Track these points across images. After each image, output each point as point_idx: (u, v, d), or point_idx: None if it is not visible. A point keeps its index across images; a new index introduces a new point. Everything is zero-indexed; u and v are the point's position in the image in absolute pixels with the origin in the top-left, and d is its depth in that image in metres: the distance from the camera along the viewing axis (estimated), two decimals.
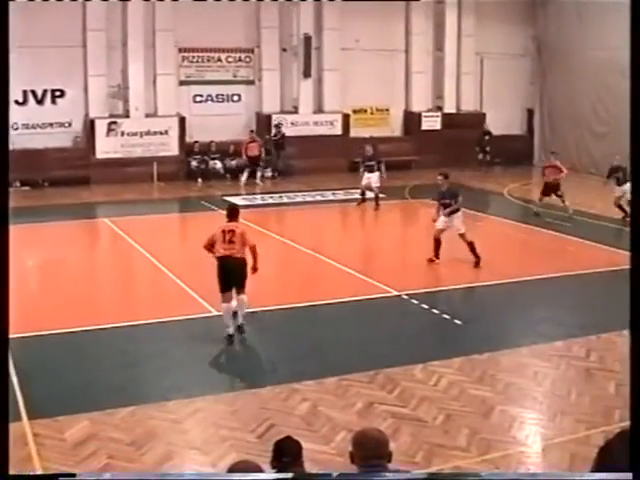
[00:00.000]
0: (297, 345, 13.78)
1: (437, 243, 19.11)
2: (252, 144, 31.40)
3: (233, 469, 5.29)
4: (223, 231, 14.06)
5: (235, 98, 33.92)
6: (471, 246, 19.02)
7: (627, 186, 23.35)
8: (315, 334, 14.29)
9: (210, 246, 14.18)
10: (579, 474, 3.89)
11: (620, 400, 11.49)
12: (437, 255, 19.15)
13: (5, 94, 6.53)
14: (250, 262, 13.97)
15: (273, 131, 33.00)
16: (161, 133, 31.49)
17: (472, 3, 36.29)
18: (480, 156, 36.05)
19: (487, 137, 36.54)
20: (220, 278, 13.95)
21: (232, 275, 13.92)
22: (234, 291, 13.94)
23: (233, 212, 14.63)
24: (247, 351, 13.62)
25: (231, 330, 13.80)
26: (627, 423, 10.44)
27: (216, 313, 15.03)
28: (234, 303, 14.01)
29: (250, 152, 31.13)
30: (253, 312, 15.23)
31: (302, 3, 33.22)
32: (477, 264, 18.85)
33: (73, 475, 4.77)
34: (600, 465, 3.76)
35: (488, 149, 36.20)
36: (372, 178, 26.48)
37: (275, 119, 33.39)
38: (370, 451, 5.45)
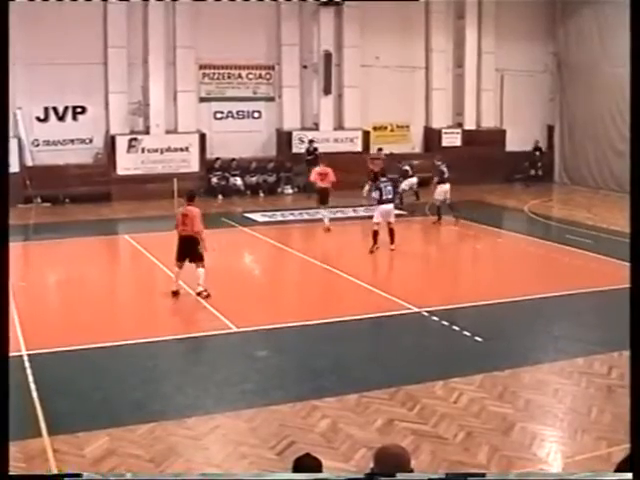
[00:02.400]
0: (317, 362, 13.75)
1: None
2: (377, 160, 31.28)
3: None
4: (182, 214, 17.45)
5: (255, 115, 34.01)
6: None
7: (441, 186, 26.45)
8: (335, 351, 14.26)
9: (176, 226, 17.51)
10: (578, 474, 3.86)
11: None
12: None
13: (5, 95, 6.54)
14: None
15: (306, 147, 32.99)
16: (182, 150, 31.62)
17: (492, 20, 36.34)
18: (532, 172, 36.27)
19: (538, 153, 36.78)
20: (177, 251, 17.42)
21: (185, 249, 17.32)
22: (188, 262, 17.35)
23: (190, 197, 17.83)
24: (267, 368, 13.59)
25: (174, 287, 17.38)
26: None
27: (236, 330, 15.08)
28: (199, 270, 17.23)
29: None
30: (273, 329, 15.26)
31: (322, 20, 33.33)
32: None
33: (79, 475, 4.78)
34: None
35: (540, 164, 36.47)
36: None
37: (295, 136, 33.46)
38: (391, 468, 5.41)
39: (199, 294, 17.24)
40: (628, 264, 20.96)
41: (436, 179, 26.74)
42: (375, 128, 35.42)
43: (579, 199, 32.02)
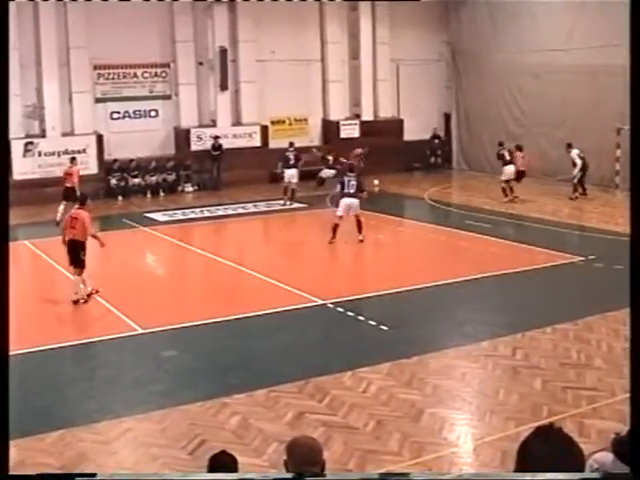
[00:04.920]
0: (225, 359, 13.72)
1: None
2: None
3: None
4: (71, 217, 17.06)
5: (152, 114, 33.67)
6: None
7: (508, 167, 28.17)
8: (242, 347, 14.25)
9: (64, 229, 17.18)
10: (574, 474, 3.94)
11: (547, 396, 11.67)
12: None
13: (5, 95, 6.40)
14: (92, 246, 17.21)
15: (212, 143, 32.76)
16: (79, 152, 31.09)
17: (386, 11, 36.58)
18: (431, 160, 36.66)
19: (437, 141, 37.12)
20: (68, 256, 16.96)
21: (71, 254, 16.86)
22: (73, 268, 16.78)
23: (82, 200, 17.62)
24: (175, 368, 13.51)
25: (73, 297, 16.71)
26: (554, 418, 10.65)
27: (142, 331, 14.94)
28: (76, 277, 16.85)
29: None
30: (179, 328, 15.16)
31: (217, 16, 33.17)
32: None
33: (93, 475, 4.72)
34: (521, 463, 3.79)
35: (439, 152, 36.87)
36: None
37: (194, 133, 33.24)
38: (302, 458, 5.44)
39: (76, 302, 16.72)
40: (528, 246, 21.44)
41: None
42: (273, 122, 35.36)
43: (477, 185, 32.47)
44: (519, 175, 28.33)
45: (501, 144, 29.87)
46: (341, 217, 22.38)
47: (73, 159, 27.96)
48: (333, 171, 30.38)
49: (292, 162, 29.18)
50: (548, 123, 32.88)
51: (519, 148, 29.10)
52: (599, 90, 30.97)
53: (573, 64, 31.60)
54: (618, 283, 18.12)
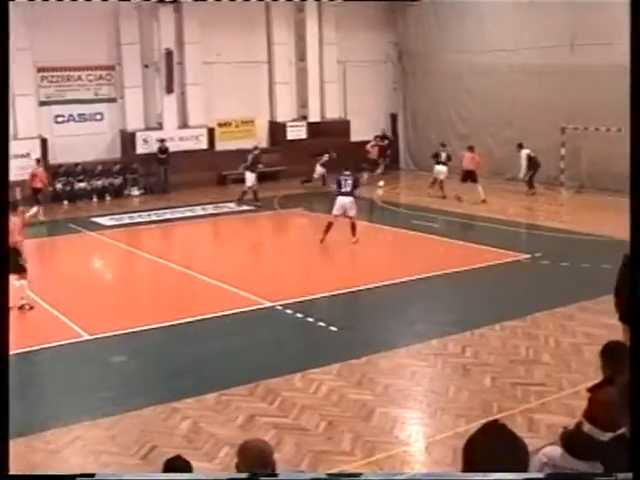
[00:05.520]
0: (174, 364, 13.63)
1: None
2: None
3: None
4: None
5: (98, 117, 33.38)
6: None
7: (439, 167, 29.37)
8: (192, 351, 14.16)
9: None
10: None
11: (497, 392, 11.76)
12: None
13: (5, 96, 6.30)
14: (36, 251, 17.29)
15: (158, 146, 32.55)
16: (22, 156, 30.70)
17: (332, 12, 36.62)
18: (380, 160, 36.75)
19: (386, 141, 37.16)
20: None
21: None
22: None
23: (13, 206, 16.65)
24: (124, 374, 13.40)
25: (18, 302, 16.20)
26: (504, 414, 10.72)
27: (88, 337, 14.79)
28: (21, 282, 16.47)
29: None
30: (128, 333, 15.05)
31: (162, 18, 32.99)
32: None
33: (92, 475, 4.67)
34: (467, 460, 3.81)
35: (388, 152, 36.94)
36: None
37: (140, 136, 33.02)
38: (254, 461, 5.46)
39: (21, 308, 16.35)
40: (476, 245, 21.58)
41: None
42: (220, 125, 35.24)
43: (425, 185, 32.54)
44: (466, 175, 28.44)
45: (443, 145, 30.18)
46: (336, 216, 22.23)
47: (38, 161, 28.15)
48: (324, 169, 30.78)
49: (248, 164, 29.15)
50: (495, 123, 33.15)
51: (470, 149, 29.26)
52: (545, 90, 31.27)
53: (520, 64, 31.88)
54: (564, 280, 18.41)
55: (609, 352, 7.46)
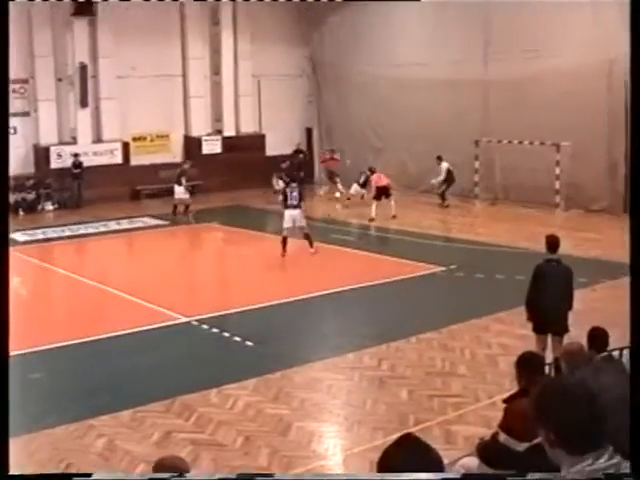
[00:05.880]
0: (90, 380, 13.43)
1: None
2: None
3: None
4: None
5: (11, 131, 32.81)
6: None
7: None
8: (107, 368, 13.98)
9: None
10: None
11: (413, 405, 11.81)
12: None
13: (5, 97, 6.10)
14: None
15: (72, 161, 32.12)
16: None
17: (247, 26, 36.61)
18: (294, 173, 36.67)
19: (301, 155, 37.15)
20: None
21: None
22: None
23: None
24: (38, 391, 13.16)
25: None
26: (421, 426, 10.75)
27: None
28: None
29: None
30: (42, 350, 14.81)
31: (76, 31, 32.63)
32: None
33: (89, 475, 4.54)
34: (382, 473, 3.81)
35: (302, 167, 36.98)
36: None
37: (54, 151, 32.58)
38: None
39: None
40: (391, 258, 21.66)
41: None
42: (135, 139, 34.93)
43: (340, 198, 32.74)
44: (379, 192, 28.26)
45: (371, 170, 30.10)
46: (287, 229, 22.15)
47: None
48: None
49: (176, 178, 29.10)
50: (410, 136, 33.40)
51: (371, 170, 29.30)
52: (458, 103, 31.66)
53: (433, 78, 32.21)
54: (479, 291, 18.61)
55: (524, 363, 7.54)
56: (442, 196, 29.98)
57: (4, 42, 6.09)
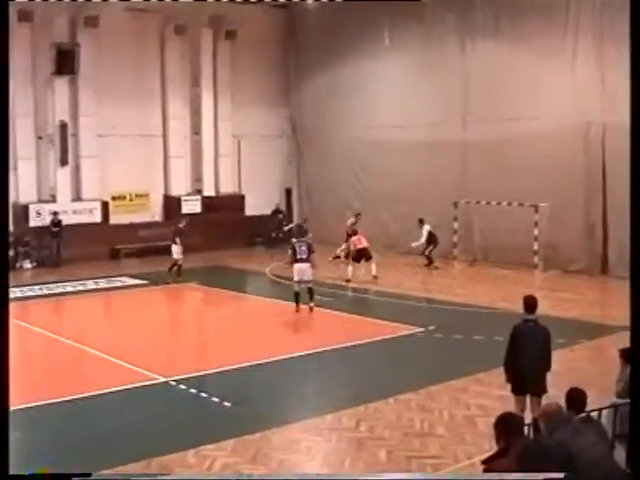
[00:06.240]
0: (64, 441, 13.27)
1: None
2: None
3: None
4: None
5: None
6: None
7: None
8: (83, 428, 13.83)
9: None
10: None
11: (392, 466, 11.72)
12: None
13: (5, 98, 6.06)
14: None
15: (51, 219, 32.06)
16: None
17: (228, 87, 36.95)
18: (273, 234, 36.72)
19: (280, 215, 37.29)
20: None
21: None
22: None
23: None
24: (15, 450, 12.96)
25: None
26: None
27: None
28: None
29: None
30: (18, 410, 14.63)
31: (57, 89, 32.76)
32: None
33: (88, 475, 4.50)
34: None
35: (284, 224, 37.08)
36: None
37: (33, 209, 32.54)
38: None
39: None
40: (370, 319, 21.58)
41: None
42: (114, 198, 34.96)
43: (319, 258, 32.71)
44: (359, 254, 28.23)
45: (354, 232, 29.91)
46: (299, 282, 22.47)
47: None
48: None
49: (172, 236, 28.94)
50: (389, 197, 33.60)
51: (354, 232, 29.20)
52: (437, 165, 31.94)
53: (412, 140, 32.53)
54: (458, 352, 18.59)
55: (502, 424, 7.51)
56: (428, 258, 30.09)
57: (4, 42, 6.08)
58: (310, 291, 22.62)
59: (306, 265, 22.45)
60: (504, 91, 29.55)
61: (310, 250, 22.57)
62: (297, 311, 22.43)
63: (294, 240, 22.95)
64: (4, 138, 6.18)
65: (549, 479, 5.17)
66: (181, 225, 29.15)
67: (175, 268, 28.36)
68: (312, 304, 22.47)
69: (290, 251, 22.96)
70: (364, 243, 28.06)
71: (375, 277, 27.44)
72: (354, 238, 28.34)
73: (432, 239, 30.19)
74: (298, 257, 22.47)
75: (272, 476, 4.92)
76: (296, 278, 22.51)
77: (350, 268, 27.54)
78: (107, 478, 7.59)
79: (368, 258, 27.80)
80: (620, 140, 26.71)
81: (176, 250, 28.46)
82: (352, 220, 30.81)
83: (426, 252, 30.14)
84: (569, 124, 27.91)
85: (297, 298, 22.52)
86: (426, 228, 30.15)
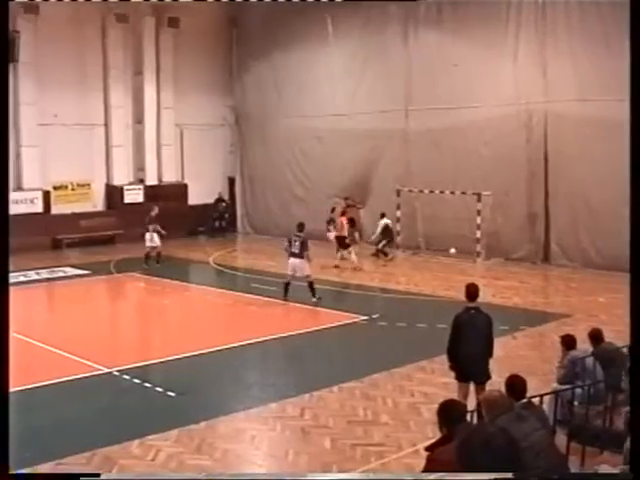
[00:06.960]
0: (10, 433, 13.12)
1: None
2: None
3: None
4: None
5: None
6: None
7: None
8: (26, 420, 13.67)
9: None
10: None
11: (336, 454, 11.76)
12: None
13: (5, 98, 5.91)
14: None
15: None
16: None
17: (170, 75, 36.72)
18: (216, 224, 36.63)
19: (223, 204, 37.18)
20: None
21: None
22: None
23: None
24: None
25: None
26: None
27: None
28: None
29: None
30: None
31: None
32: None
33: (97, 475, 4.42)
34: None
35: (226, 216, 36.98)
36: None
37: None
38: None
39: None
40: (313, 307, 21.58)
41: None
42: (55, 187, 34.59)
43: (262, 248, 32.77)
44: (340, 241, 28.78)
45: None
46: (292, 276, 22.43)
47: None
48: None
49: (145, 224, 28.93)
50: (333, 186, 33.63)
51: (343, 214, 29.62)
52: (379, 154, 32.03)
53: (355, 128, 32.59)
54: (401, 340, 18.70)
55: (445, 411, 7.56)
56: (382, 251, 30.19)
57: (4, 43, 5.98)
58: (310, 285, 22.44)
59: (298, 260, 22.36)
60: (446, 80, 29.69)
61: (304, 247, 22.41)
62: (284, 300, 22.39)
63: (297, 234, 22.66)
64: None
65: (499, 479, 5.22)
66: (153, 213, 28.96)
67: (154, 255, 28.25)
68: (314, 299, 22.21)
69: (286, 243, 22.89)
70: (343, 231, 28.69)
71: (337, 266, 27.90)
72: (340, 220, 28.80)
73: (387, 234, 30.27)
74: (291, 251, 22.48)
75: (245, 476, 4.95)
76: (289, 272, 22.52)
77: (354, 256, 28.29)
78: (116, 478, 7.52)
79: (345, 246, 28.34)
80: (561, 129, 27.21)
81: (149, 238, 28.33)
82: (342, 204, 31.12)
83: (379, 245, 30.24)
84: (511, 113, 28.14)
85: (285, 289, 22.50)
86: (382, 222, 30.23)
